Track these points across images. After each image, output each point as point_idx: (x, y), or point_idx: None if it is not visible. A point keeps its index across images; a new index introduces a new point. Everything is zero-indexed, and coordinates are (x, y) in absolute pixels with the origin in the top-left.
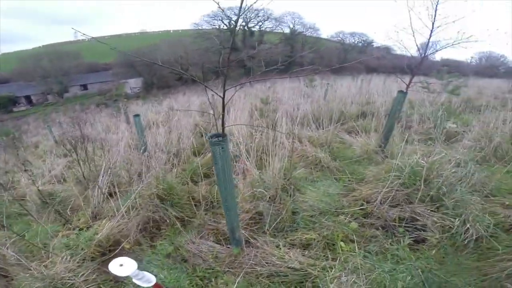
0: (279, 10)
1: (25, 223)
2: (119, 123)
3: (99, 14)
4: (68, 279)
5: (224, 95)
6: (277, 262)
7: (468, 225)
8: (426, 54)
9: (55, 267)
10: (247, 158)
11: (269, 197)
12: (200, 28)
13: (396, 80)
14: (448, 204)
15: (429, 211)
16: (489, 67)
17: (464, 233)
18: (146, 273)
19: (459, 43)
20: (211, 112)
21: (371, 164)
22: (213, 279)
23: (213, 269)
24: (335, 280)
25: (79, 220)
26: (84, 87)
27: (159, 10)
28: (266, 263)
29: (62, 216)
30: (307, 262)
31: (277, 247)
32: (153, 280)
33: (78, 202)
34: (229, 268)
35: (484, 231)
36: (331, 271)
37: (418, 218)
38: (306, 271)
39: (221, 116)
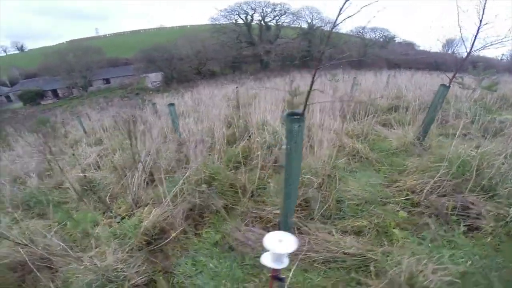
0: (297, 5)
1: (65, 211)
2: (144, 114)
3: (119, 10)
4: (120, 271)
5: (314, 75)
6: (332, 248)
7: None
8: (472, 50)
9: (107, 258)
10: None
11: (317, 184)
12: (217, 23)
13: (425, 76)
14: (502, 194)
15: (481, 200)
16: None
17: None
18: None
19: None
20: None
21: (409, 156)
22: (264, 267)
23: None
24: (398, 264)
25: (120, 208)
26: (107, 81)
27: (159, 9)
28: (321, 249)
29: (105, 204)
30: (365, 248)
31: (329, 233)
32: (286, 263)
33: (116, 189)
34: None
35: None
36: (390, 256)
37: (471, 207)
38: (364, 256)
39: (296, 95)
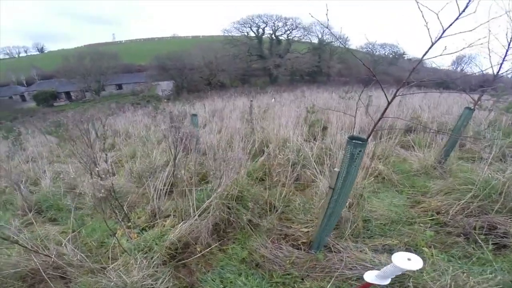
0: (308, 19)
1: (79, 218)
2: (157, 122)
3: (135, 16)
4: (150, 286)
5: (392, 99)
6: (367, 265)
7: None
8: (499, 74)
9: (133, 272)
10: (314, 167)
11: (348, 205)
12: (229, 34)
13: (439, 96)
14: None
15: (508, 220)
16: None
17: None
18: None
19: None
20: (353, 115)
21: (429, 178)
22: (294, 285)
23: (290, 274)
24: (434, 280)
25: (139, 218)
26: (119, 86)
27: (172, 18)
28: (354, 266)
29: (125, 214)
30: None
31: (361, 251)
32: (388, 281)
33: (134, 198)
34: (308, 273)
35: None
36: (424, 272)
37: (498, 226)
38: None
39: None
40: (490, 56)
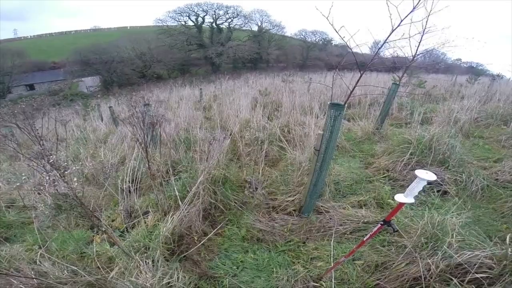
0: (249, 7)
1: (37, 232)
2: (92, 121)
3: (44, 9)
4: (168, 286)
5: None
6: (353, 219)
7: (472, 178)
8: (416, 55)
9: (145, 275)
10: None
11: None
12: (164, 24)
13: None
14: (453, 164)
15: (441, 170)
16: (432, 64)
17: (471, 185)
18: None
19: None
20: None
21: (372, 143)
22: (299, 249)
23: (292, 241)
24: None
25: (114, 221)
26: (31, 87)
27: (92, 9)
28: (344, 222)
29: (97, 221)
30: (376, 216)
31: (344, 209)
32: (412, 200)
33: (95, 202)
34: (307, 235)
35: (485, 182)
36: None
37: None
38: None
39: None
40: (409, 41)
